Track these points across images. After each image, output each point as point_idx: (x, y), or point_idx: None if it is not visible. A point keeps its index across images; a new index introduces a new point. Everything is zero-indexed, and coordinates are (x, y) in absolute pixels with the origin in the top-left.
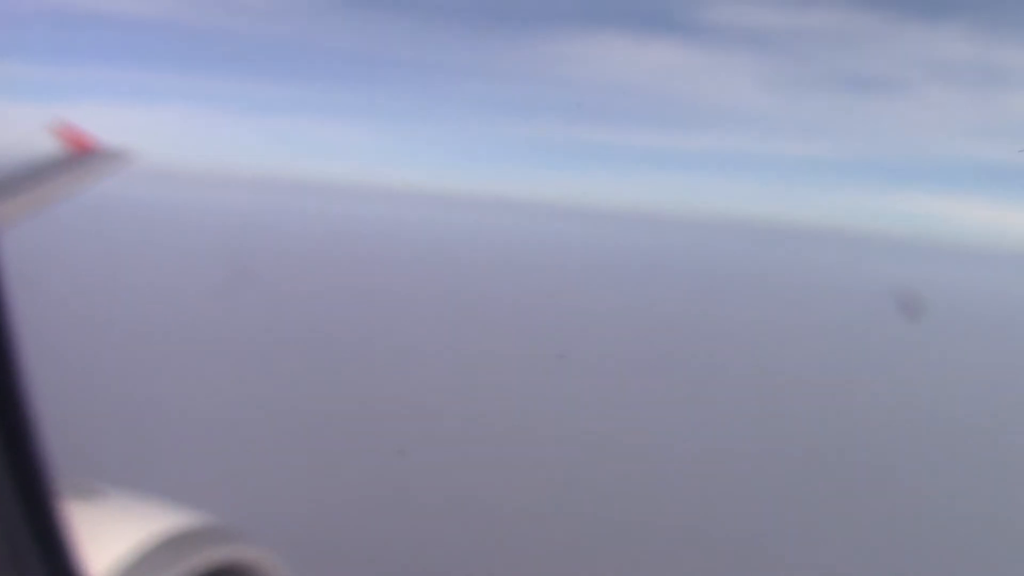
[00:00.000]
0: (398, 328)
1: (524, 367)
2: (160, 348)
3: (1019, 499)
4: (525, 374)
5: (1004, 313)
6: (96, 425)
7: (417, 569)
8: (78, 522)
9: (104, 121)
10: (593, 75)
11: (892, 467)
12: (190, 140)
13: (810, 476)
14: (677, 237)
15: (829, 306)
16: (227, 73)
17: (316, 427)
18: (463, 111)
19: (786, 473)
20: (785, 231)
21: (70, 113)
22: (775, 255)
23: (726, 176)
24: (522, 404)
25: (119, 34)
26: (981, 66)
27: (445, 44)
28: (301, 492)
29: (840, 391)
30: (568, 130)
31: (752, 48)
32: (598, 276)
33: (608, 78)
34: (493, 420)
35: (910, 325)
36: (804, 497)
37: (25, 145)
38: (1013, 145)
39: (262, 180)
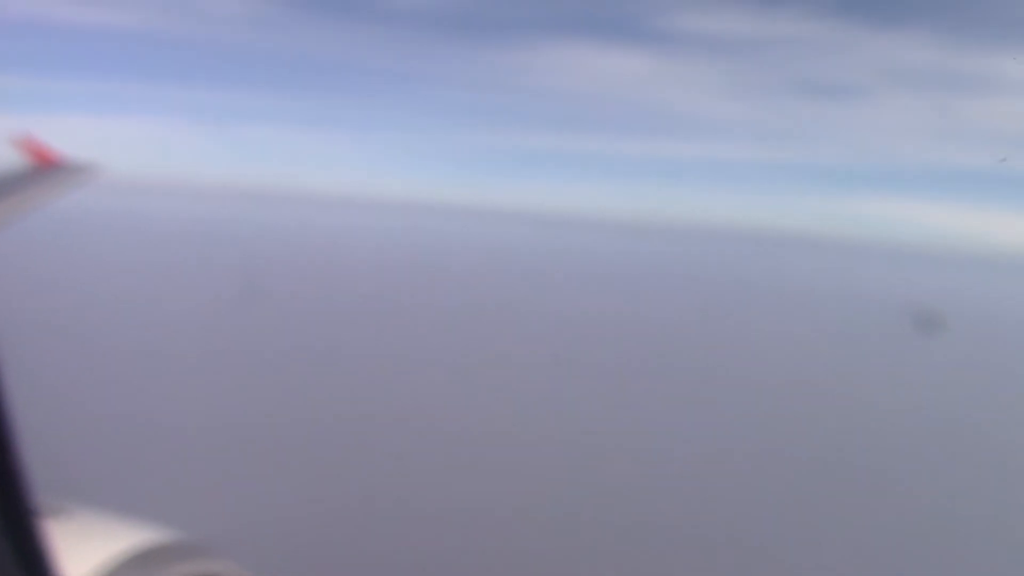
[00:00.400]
0: (377, 337)
1: (508, 374)
2: (129, 360)
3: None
4: (509, 381)
5: (971, 314)
6: (64, 439)
7: None
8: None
9: (75, 133)
10: (566, 84)
11: (867, 466)
12: (167, 151)
13: (794, 479)
14: (648, 244)
15: (798, 309)
16: (203, 83)
17: (291, 438)
18: (438, 120)
19: (771, 477)
20: (753, 236)
21: (40, 125)
22: (742, 260)
23: (695, 183)
24: (507, 411)
25: (89, 45)
26: (941, 72)
27: (421, 54)
28: (275, 505)
29: (814, 392)
30: (541, 139)
31: (719, 56)
32: (574, 283)
33: (580, 87)
34: (479, 427)
35: (890, 330)
36: (784, 500)
37: None
38: (972, 149)
39: (238, 191)
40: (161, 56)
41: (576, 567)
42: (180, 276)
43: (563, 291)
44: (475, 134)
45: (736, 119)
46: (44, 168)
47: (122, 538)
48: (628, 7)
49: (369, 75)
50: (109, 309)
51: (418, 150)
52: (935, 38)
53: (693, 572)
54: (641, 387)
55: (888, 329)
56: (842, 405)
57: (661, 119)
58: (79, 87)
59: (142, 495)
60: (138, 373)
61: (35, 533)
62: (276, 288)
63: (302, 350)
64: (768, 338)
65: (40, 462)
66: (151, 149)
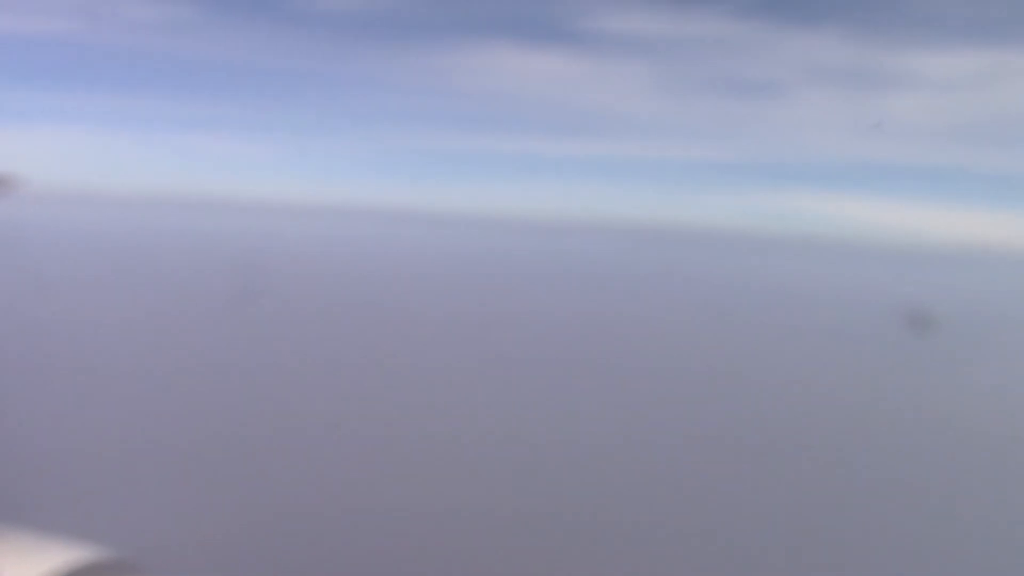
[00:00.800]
0: (317, 344)
1: (456, 379)
2: (48, 376)
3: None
4: (459, 386)
5: (891, 307)
6: None
7: None
8: None
9: None
10: (491, 86)
11: (830, 460)
12: (75, 160)
13: (767, 477)
14: (572, 243)
15: (722, 306)
16: (122, 91)
17: (213, 451)
18: (363, 125)
19: (743, 474)
20: (681, 234)
21: None
22: (672, 258)
23: (618, 182)
24: (465, 416)
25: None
26: (860, 70)
27: (343, 57)
28: (197, 519)
29: (760, 387)
30: (467, 141)
31: (644, 56)
32: (509, 285)
33: (505, 89)
34: (441, 433)
35: (826, 322)
36: (758, 501)
37: None
38: (892, 144)
39: (164, 199)
40: (74, 63)
41: (555, 570)
42: (104, 288)
43: (499, 293)
44: (401, 137)
45: (662, 118)
46: None
47: (55, 556)
48: (552, 8)
49: (292, 79)
50: (24, 324)
51: (343, 155)
52: (853, 36)
53: (672, 570)
54: (597, 388)
55: (825, 322)
56: (784, 398)
57: (588, 119)
58: None
59: (66, 515)
60: (55, 389)
61: None
62: (207, 297)
63: (238, 361)
64: (711, 334)
65: None
66: (69, 159)
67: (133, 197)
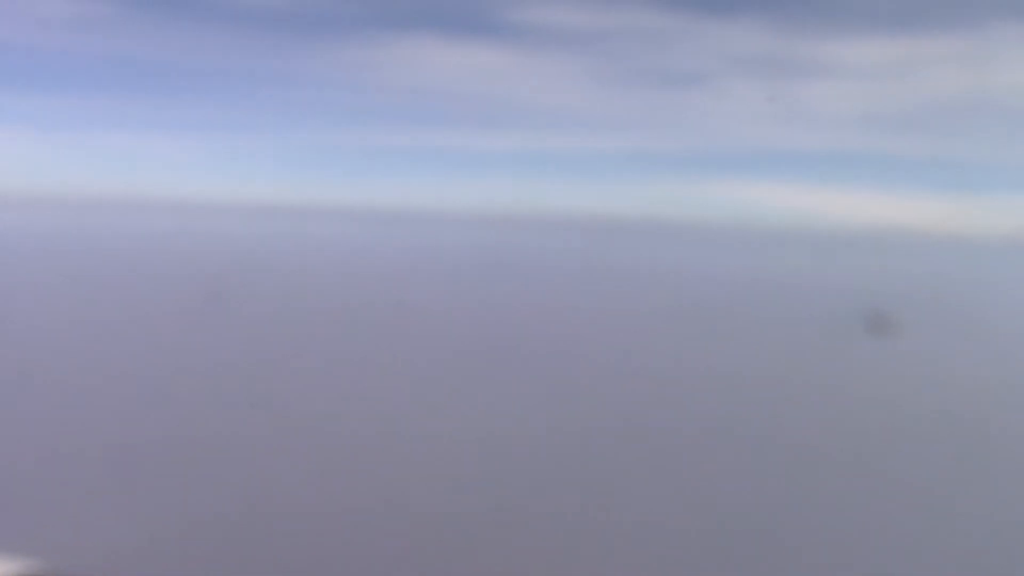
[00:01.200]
0: (240, 342)
1: (374, 376)
2: None
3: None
4: (374, 384)
5: (823, 293)
6: None
7: None
8: None
9: None
10: (418, 81)
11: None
12: (7, 162)
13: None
14: (504, 238)
15: (663, 294)
16: (43, 90)
17: (147, 460)
18: (288, 121)
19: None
20: (611, 225)
21: None
22: (601, 249)
23: (549, 175)
24: (371, 414)
25: None
26: (779, 59)
27: (267, 54)
28: (128, 530)
29: (683, 376)
30: (396, 136)
31: (568, 49)
32: (439, 280)
33: (432, 83)
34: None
35: (756, 309)
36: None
37: None
38: (807, 132)
39: (88, 201)
40: None
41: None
42: (26, 292)
43: (430, 288)
44: (327, 133)
45: (588, 110)
46: None
47: None
48: (479, 1)
49: (215, 77)
50: None
51: (268, 152)
52: (773, 26)
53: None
54: (518, 381)
55: (753, 309)
56: (728, 384)
57: (515, 112)
58: None
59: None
60: None
61: None
62: (132, 298)
63: (163, 362)
64: (641, 324)
65: None
66: None
67: (55, 197)
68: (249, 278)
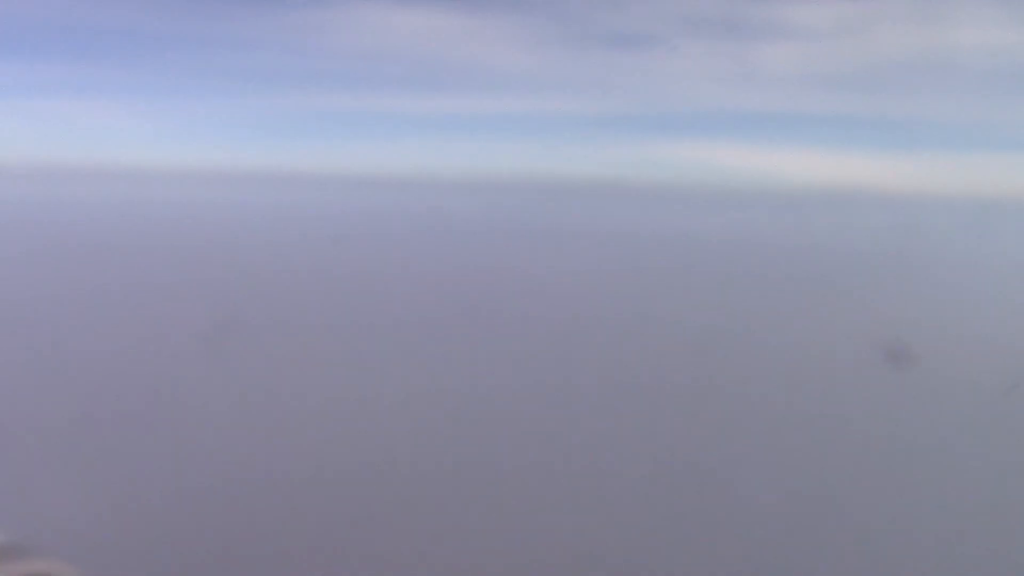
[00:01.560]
0: (186, 311)
1: (325, 343)
2: None
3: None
4: (325, 351)
5: (773, 251)
6: None
7: None
8: None
9: None
10: (363, 44)
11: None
12: None
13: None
14: (458, 200)
15: (615, 253)
16: None
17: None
18: (235, 85)
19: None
20: (561, 187)
21: None
22: (554, 211)
23: (501, 137)
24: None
25: None
26: (731, 19)
27: (211, 16)
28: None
29: (607, 335)
30: (339, 100)
31: (518, 11)
32: (389, 243)
33: (378, 46)
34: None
35: (711, 269)
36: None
37: None
38: (760, 92)
39: (16, 169)
40: None
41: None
42: None
43: (380, 252)
44: (275, 97)
45: (540, 72)
46: None
47: None
48: None
49: (160, 41)
50: None
51: (214, 117)
52: None
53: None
54: (465, 344)
55: (709, 268)
56: (668, 343)
57: (466, 75)
58: None
59: None
60: None
61: None
62: (66, 269)
63: (104, 333)
64: (591, 285)
65: None
66: None
67: None
68: (195, 244)
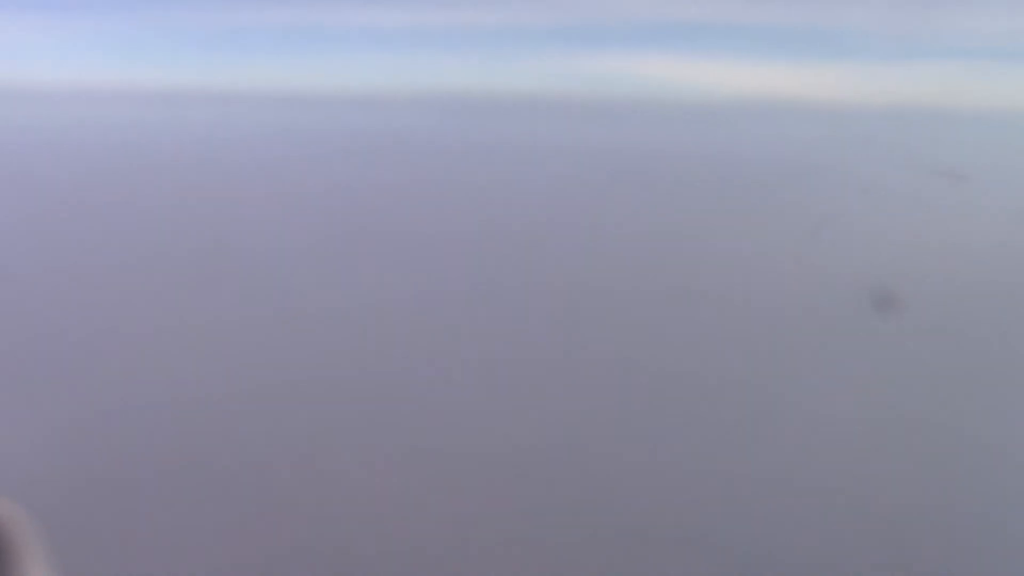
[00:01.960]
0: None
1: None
2: None
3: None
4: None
5: (702, 162)
6: None
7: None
8: None
9: None
10: None
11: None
12: None
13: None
14: (383, 117)
15: (537, 170)
16: None
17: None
18: (147, 3)
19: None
20: (484, 102)
21: None
22: (480, 127)
23: (426, 51)
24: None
25: None
26: None
27: None
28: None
29: (553, 254)
30: (264, 15)
31: None
32: (308, 164)
33: None
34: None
35: (649, 178)
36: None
37: None
38: (685, 3)
39: None
40: None
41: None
42: None
43: (307, 172)
44: (192, 13)
45: None
46: None
47: None
48: None
49: None
50: None
51: (132, 35)
52: None
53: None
54: (422, 262)
55: (639, 181)
56: (611, 257)
57: None
58: None
59: None
60: None
61: None
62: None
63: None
64: (525, 199)
65: None
66: None
67: None
68: (120, 166)
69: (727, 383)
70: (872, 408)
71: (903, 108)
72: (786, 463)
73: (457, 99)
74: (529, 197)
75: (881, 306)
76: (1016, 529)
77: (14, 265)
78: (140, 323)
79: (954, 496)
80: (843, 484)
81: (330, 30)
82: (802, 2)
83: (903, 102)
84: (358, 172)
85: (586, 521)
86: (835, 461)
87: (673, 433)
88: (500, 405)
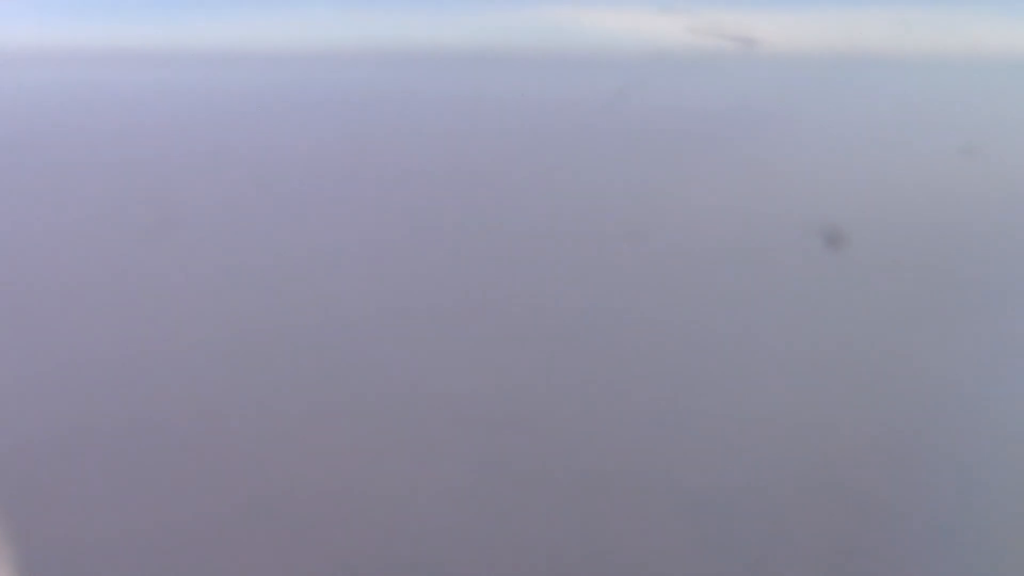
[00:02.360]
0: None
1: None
2: None
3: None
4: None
5: (645, 112)
6: None
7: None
8: None
9: None
10: None
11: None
12: None
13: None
14: (322, 74)
15: (466, 128)
16: None
17: None
18: None
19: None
20: (427, 57)
21: None
22: (419, 84)
23: (369, 4)
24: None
25: None
26: None
27: None
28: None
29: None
30: None
31: None
32: (235, 125)
33: None
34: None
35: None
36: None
37: None
38: None
39: None
40: None
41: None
42: None
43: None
44: None
45: None
46: None
47: None
48: None
49: None
50: None
51: None
52: None
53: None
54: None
55: (587, 134)
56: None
57: None
58: None
59: None
60: None
61: None
62: None
63: None
64: (482, 154)
65: None
66: None
67: None
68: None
69: (675, 322)
70: (826, 342)
71: (854, 53)
72: (737, 402)
73: (405, 53)
74: (485, 149)
75: (831, 242)
76: (966, 457)
77: None
78: (99, 280)
79: (905, 428)
80: (794, 421)
81: None
82: None
83: (854, 46)
84: (331, 129)
85: (549, 471)
86: (787, 396)
87: (623, 376)
88: (451, 346)
